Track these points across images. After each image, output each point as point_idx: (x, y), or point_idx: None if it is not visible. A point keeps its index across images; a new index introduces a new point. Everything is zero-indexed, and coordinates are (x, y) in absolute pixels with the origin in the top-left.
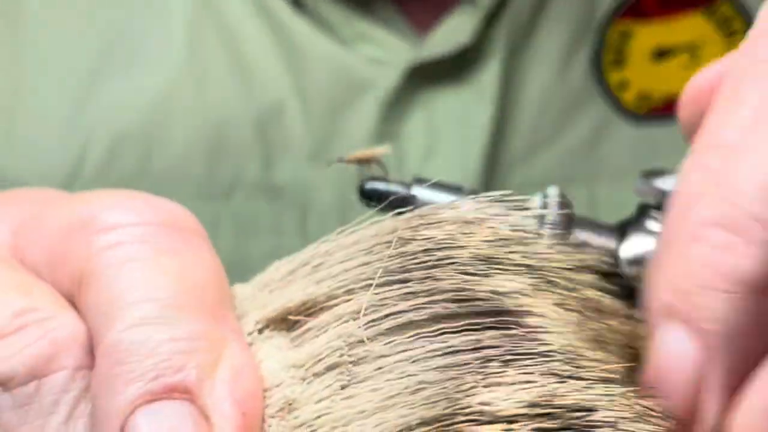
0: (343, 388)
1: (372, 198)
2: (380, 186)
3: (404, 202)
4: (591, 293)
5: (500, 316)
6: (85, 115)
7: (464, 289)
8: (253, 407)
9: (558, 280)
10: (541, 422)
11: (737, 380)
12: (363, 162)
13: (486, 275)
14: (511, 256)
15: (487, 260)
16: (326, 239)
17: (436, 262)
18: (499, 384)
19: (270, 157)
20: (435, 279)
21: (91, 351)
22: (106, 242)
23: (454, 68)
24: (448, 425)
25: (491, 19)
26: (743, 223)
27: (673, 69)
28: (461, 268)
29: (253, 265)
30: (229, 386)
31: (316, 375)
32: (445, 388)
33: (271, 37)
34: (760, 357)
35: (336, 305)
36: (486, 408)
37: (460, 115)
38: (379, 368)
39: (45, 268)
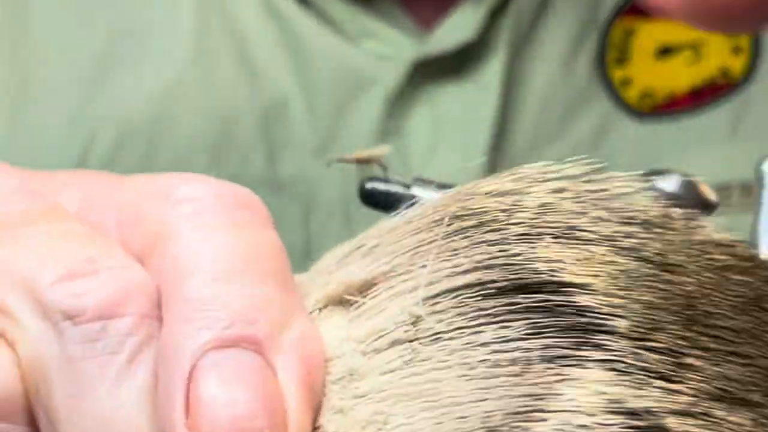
0: (406, 364)
1: (372, 198)
2: (380, 186)
3: (404, 202)
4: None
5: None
6: (92, 108)
7: (512, 264)
8: (317, 370)
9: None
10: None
11: None
12: (363, 162)
13: (535, 247)
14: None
15: (538, 232)
16: (378, 225)
17: (486, 236)
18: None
19: (274, 151)
20: (487, 253)
21: (157, 303)
22: (183, 211)
23: (457, 64)
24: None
25: (495, 15)
26: None
27: (676, 66)
28: (511, 239)
29: None
30: (297, 346)
31: (377, 350)
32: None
33: (276, 33)
34: None
35: (394, 283)
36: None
37: (463, 111)
38: (442, 349)
39: (114, 228)
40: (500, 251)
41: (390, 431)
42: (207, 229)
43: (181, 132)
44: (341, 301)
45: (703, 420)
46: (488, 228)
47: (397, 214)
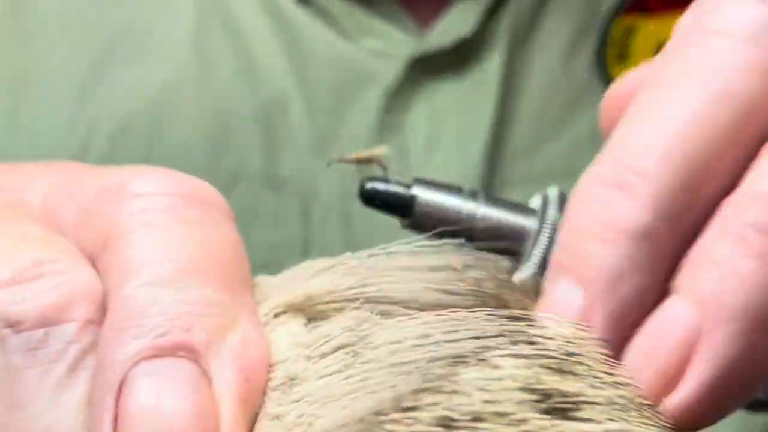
0: (345, 367)
1: (372, 198)
2: (380, 186)
3: (404, 202)
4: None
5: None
6: (90, 104)
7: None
8: (256, 377)
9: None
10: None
11: (624, 327)
12: (363, 162)
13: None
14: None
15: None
16: (368, 254)
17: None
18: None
19: (273, 149)
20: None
21: (103, 308)
22: (133, 208)
23: (456, 60)
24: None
25: (493, 12)
26: (625, 178)
27: None
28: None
29: (255, 255)
30: (235, 353)
31: (322, 355)
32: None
33: (274, 30)
34: (653, 302)
35: (357, 299)
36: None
37: (462, 107)
38: (383, 349)
39: (72, 228)
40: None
41: (313, 431)
42: (152, 229)
43: (179, 130)
44: (302, 310)
45: None
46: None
47: (385, 249)
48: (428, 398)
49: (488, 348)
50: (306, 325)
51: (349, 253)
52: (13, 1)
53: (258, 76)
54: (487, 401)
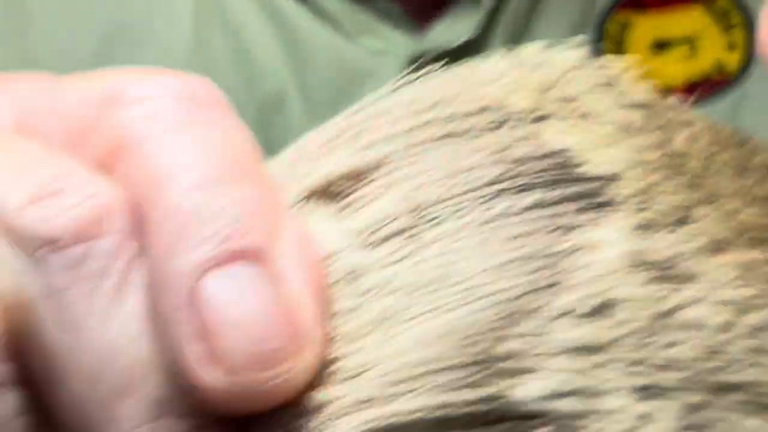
0: (411, 253)
1: None
2: None
3: None
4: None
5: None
6: None
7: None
8: (321, 271)
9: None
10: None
11: None
12: None
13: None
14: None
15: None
16: (360, 107)
17: (485, 123)
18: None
19: (271, 145)
20: (485, 139)
21: (135, 219)
22: (142, 112)
23: (453, 60)
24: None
25: (492, 15)
26: None
27: (671, 60)
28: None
29: None
30: (296, 250)
31: (377, 242)
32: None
33: (273, 29)
34: None
35: (389, 170)
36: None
37: None
38: (447, 233)
39: (62, 143)
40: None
41: (403, 324)
42: (171, 134)
43: None
44: (326, 194)
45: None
46: (483, 115)
47: (385, 95)
48: None
49: None
50: (337, 205)
51: (343, 113)
52: (14, 2)
53: (256, 74)
54: None
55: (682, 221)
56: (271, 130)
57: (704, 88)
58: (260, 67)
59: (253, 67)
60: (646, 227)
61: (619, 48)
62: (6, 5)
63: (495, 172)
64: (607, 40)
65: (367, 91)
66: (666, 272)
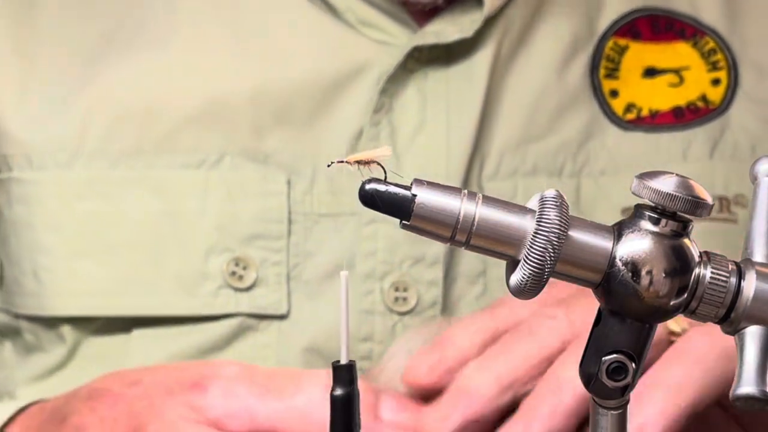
0: None
1: (372, 199)
2: (380, 187)
3: (404, 203)
4: None
5: None
6: (88, 92)
7: None
8: None
9: None
10: None
11: None
12: (363, 164)
13: None
14: None
15: None
16: None
17: None
18: None
19: (262, 127)
20: None
21: None
22: None
23: (450, 53)
24: None
25: (492, 18)
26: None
27: (660, 86)
28: None
29: (242, 227)
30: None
31: None
32: None
33: (272, 16)
34: None
35: None
36: None
37: (452, 95)
38: None
39: None
40: None
41: None
42: None
43: (173, 112)
44: None
45: None
46: None
47: None
48: None
49: None
50: None
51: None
52: (21, 2)
53: (253, 60)
54: None
55: None
56: (263, 111)
57: (690, 113)
58: (258, 52)
59: (250, 53)
60: None
61: (614, 69)
62: (14, 6)
63: None
64: (604, 59)
65: (366, 75)
66: None
